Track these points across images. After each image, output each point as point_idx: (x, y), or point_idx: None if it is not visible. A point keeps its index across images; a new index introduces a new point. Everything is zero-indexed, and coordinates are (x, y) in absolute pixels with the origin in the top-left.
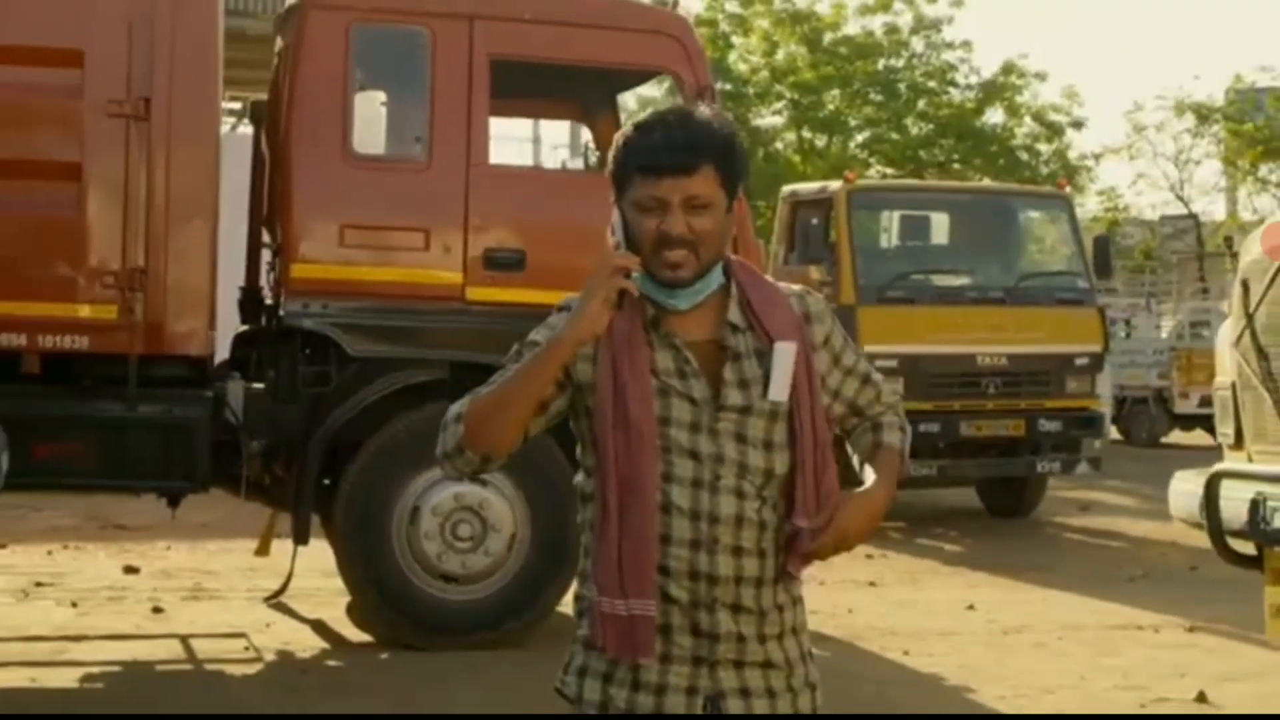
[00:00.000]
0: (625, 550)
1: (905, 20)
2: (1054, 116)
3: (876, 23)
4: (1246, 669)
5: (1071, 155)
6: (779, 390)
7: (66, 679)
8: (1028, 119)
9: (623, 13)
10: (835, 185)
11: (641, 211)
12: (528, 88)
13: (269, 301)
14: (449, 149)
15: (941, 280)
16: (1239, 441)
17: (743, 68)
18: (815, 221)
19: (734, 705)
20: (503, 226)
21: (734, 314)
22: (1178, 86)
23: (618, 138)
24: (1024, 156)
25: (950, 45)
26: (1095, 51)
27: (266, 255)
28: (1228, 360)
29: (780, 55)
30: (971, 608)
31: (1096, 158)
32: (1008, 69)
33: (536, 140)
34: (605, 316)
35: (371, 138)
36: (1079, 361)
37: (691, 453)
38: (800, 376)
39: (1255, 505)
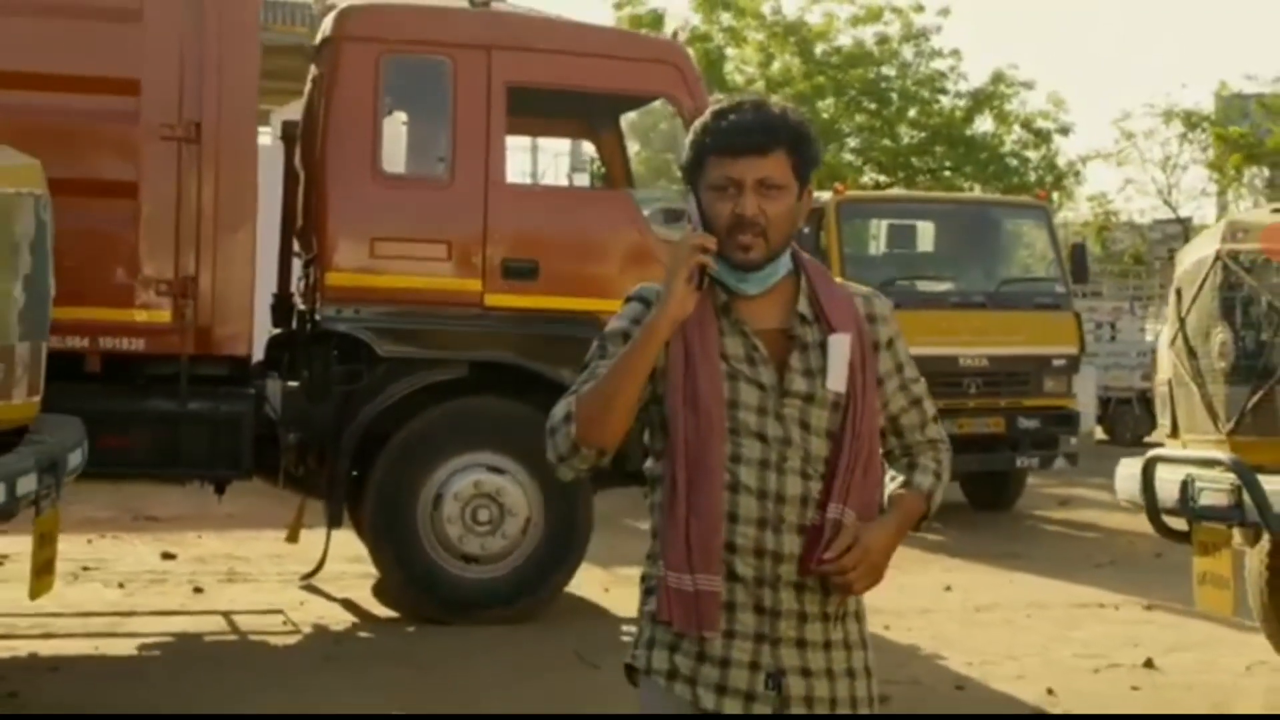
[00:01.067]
0: (693, 527)
1: (895, 29)
2: (1041, 124)
3: (868, 33)
4: (1194, 640)
5: (1060, 162)
6: (836, 380)
7: (125, 648)
8: (1016, 127)
9: (627, 43)
10: (826, 196)
11: (716, 193)
12: (539, 109)
13: (301, 306)
14: (469, 168)
15: (926, 285)
16: (1175, 431)
17: (739, 79)
18: (807, 230)
19: (795, 684)
20: (518, 239)
21: (803, 305)
22: (1165, 95)
23: (695, 124)
24: (1013, 164)
25: (940, 54)
26: (1084, 60)
27: (296, 264)
28: (1165, 360)
29: (775, 66)
30: (949, 589)
31: (1084, 161)
32: (997, 78)
33: (535, 148)
34: (692, 294)
35: (399, 158)
36: (1056, 363)
37: (759, 435)
38: (855, 369)
39: (1185, 486)
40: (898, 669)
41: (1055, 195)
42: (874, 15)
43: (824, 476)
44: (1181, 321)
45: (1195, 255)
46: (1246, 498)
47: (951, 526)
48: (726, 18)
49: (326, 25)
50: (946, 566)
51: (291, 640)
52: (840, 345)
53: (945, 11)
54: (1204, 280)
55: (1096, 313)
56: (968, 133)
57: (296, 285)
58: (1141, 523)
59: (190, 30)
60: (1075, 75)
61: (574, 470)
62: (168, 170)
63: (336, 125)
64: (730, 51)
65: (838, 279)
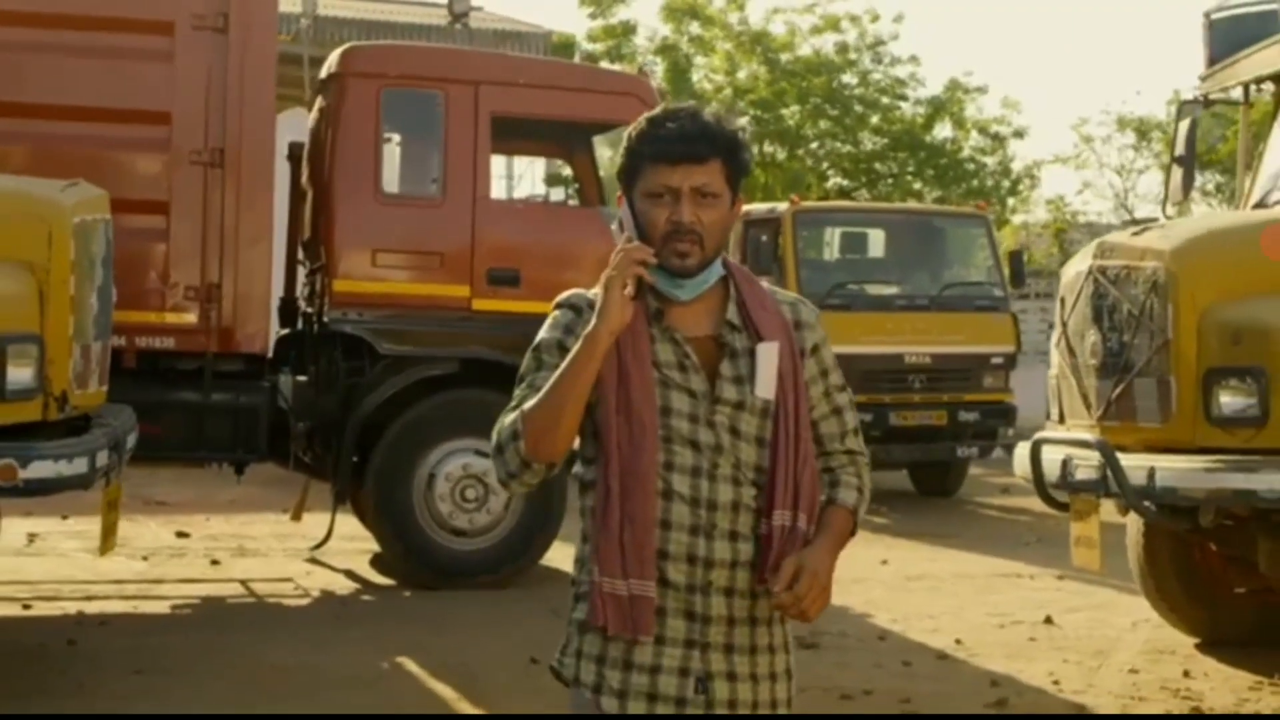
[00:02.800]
0: (627, 533)
1: (853, 38)
2: (997, 128)
3: (828, 42)
4: (1093, 603)
5: (1017, 166)
6: (765, 387)
7: (160, 608)
8: (974, 133)
9: (597, 77)
10: (782, 207)
11: (653, 201)
12: (521, 135)
13: (307, 309)
14: (459, 188)
15: (875, 289)
16: (1061, 418)
17: (706, 86)
18: (765, 238)
19: (720, 688)
20: (501, 250)
21: (732, 313)
22: (1122, 101)
23: (630, 130)
24: (971, 168)
25: (899, 61)
26: (1045, 65)
27: (299, 270)
28: (1054, 357)
29: (741, 74)
30: (885, 562)
31: (1038, 166)
32: (952, 87)
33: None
34: (630, 305)
35: (397, 179)
36: (994, 360)
37: (692, 442)
38: (785, 375)
39: (1064, 463)
40: (829, 624)
41: (1011, 200)
42: (831, 24)
43: (755, 483)
44: (1064, 325)
45: (1074, 269)
46: (1110, 473)
47: (896, 510)
48: (695, 27)
49: (332, 62)
50: (888, 545)
51: (304, 602)
52: (769, 353)
53: (899, 18)
54: (1080, 291)
55: (1049, 313)
56: (927, 139)
57: (301, 290)
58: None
59: (215, 69)
60: (1036, 79)
61: (525, 486)
62: (195, 190)
63: (342, 151)
64: (698, 60)
65: (765, 284)
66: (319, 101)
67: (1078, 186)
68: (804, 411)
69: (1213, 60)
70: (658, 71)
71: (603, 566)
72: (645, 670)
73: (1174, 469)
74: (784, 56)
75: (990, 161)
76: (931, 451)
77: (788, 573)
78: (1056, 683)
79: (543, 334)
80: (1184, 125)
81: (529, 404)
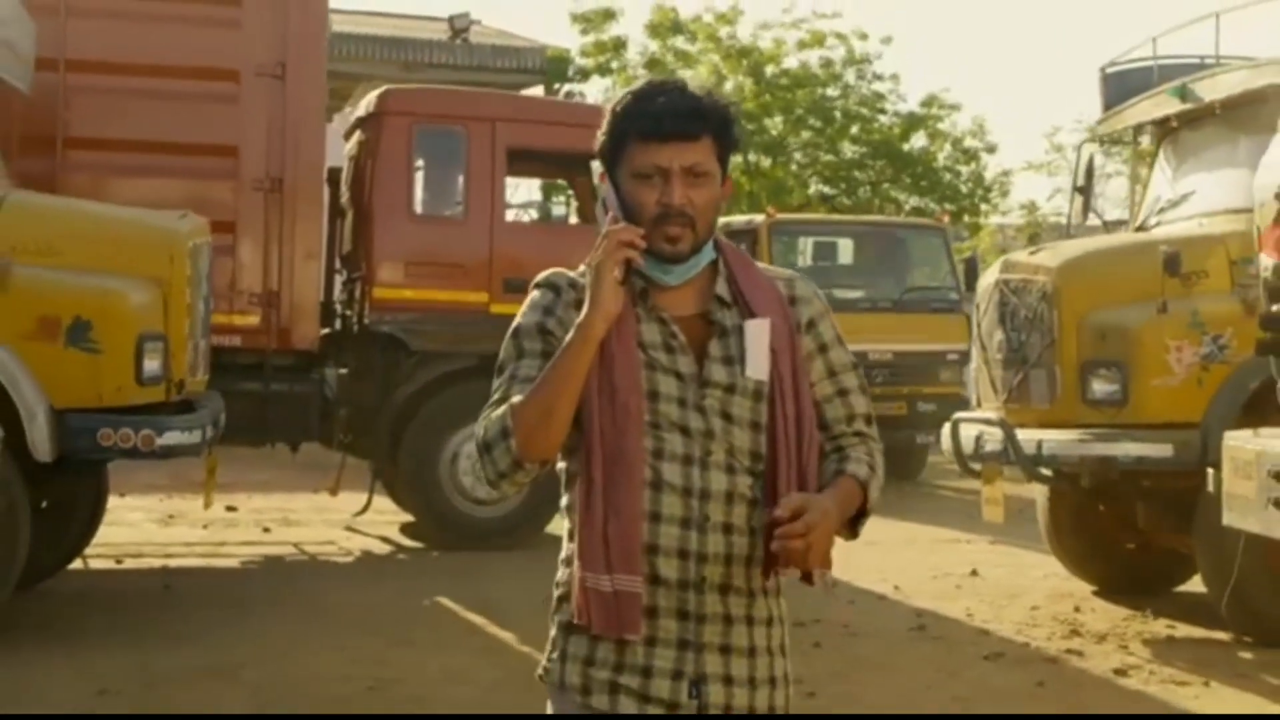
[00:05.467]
0: (611, 525)
1: (839, 54)
2: (970, 143)
3: (813, 57)
4: (1016, 561)
5: (988, 175)
6: (756, 367)
7: (230, 563)
8: (948, 145)
9: (596, 114)
10: (759, 218)
11: (640, 181)
12: (531, 162)
13: (345, 312)
14: (479, 209)
15: (843, 293)
16: (978, 402)
17: None
18: (743, 247)
19: (715, 692)
20: (515, 262)
21: (722, 289)
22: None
23: (614, 105)
24: (946, 177)
25: (880, 78)
26: (1019, 75)
27: (338, 279)
28: (973, 353)
29: (728, 86)
30: None
31: (1006, 174)
32: (928, 102)
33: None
34: (621, 290)
35: (426, 202)
36: (950, 357)
37: (682, 428)
38: (780, 354)
39: (977, 439)
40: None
41: (984, 206)
42: (818, 40)
43: (751, 471)
44: (978, 326)
45: (986, 281)
46: (1009, 445)
47: None
48: (680, 41)
49: (370, 102)
50: None
51: (349, 560)
52: (758, 330)
53: (887, 40)
54: (990, 298)
55: None
56: (905, 148)
57: (339, 295)
58: (1022, 489)
59: (274, 109)
60: (1011, 91)
61: (516, 486)
62: (258, 212)
63: (380, 178)
64: (685, 73)
65: (761, 264)
66: (358, 135)
67: (1049, 192)
68: (804, 391)
69: (1107, 106)
70: None
71: (585, 561)
72: (637, 671)
73: (1056, 441)
74: (769, 69)
75: (964, 171)
76: (893, 439)
77: (794, 503)
78: (970, 615)
79: (521, 318)
80: (1082, 161)
81: (518, 399)
